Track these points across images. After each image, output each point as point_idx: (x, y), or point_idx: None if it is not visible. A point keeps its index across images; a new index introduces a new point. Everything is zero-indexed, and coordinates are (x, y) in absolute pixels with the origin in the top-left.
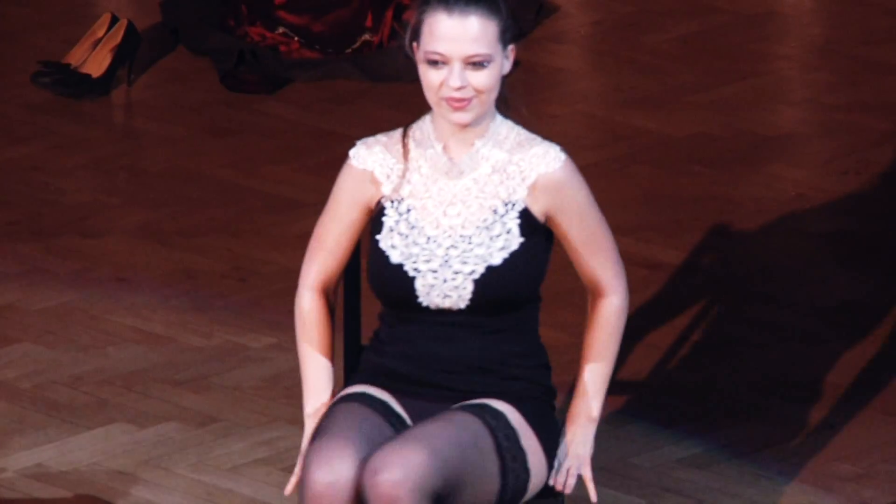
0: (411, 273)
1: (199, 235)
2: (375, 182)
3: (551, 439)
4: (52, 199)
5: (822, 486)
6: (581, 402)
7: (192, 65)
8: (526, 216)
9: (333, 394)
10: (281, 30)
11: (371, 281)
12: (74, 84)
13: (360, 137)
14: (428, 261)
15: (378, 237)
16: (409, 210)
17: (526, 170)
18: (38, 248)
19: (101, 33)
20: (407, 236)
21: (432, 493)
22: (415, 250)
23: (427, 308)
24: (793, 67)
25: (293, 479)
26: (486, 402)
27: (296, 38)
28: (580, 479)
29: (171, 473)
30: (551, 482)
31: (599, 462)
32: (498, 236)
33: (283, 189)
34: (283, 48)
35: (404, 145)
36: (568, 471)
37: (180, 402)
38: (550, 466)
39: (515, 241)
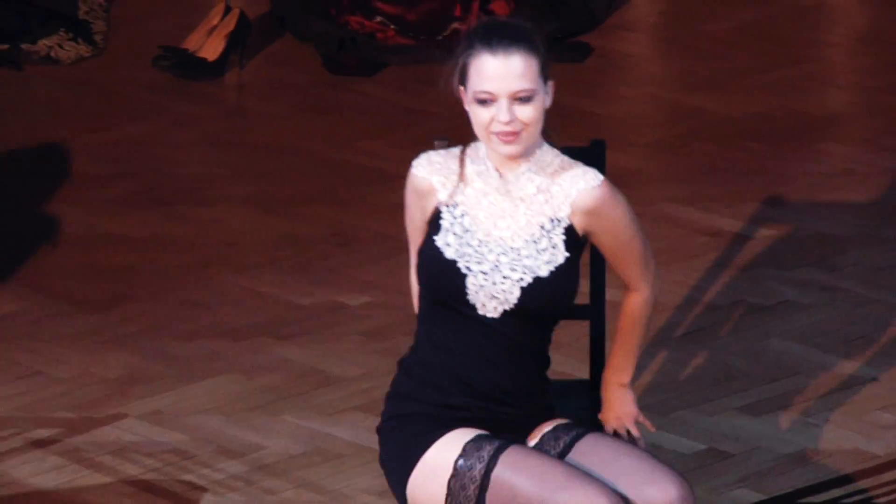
0: (463, 270)
1: (302, 204)
2: (433, 190)
3: None
4: (169, 170)
5: (864, 434)
6: (612, 373)
7: (297, 50)
8: (570, 233)
9: None
10: (378, 19)
11: (422, 275)
12: (191, 67)
13: (447, 117)
14: (479, 263)
15: (435, 237)
16: (463, 215)
17: (567, 190)
18: (156, 214)
19: (215, 21)
20: (461, 237)
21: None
22: (468, 250)
23: (473, 306)
24: (839, 53)
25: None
26: (567, 423)
27: (392, 27)
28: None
29: (277, 419)
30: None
31: (666, 411)
32: (544, 250)
33: (378, 162)
34: (379, 35)
35: (461, 161)
36: (629, 427)
37: (286, 354)
38: None
39: (561, 255)
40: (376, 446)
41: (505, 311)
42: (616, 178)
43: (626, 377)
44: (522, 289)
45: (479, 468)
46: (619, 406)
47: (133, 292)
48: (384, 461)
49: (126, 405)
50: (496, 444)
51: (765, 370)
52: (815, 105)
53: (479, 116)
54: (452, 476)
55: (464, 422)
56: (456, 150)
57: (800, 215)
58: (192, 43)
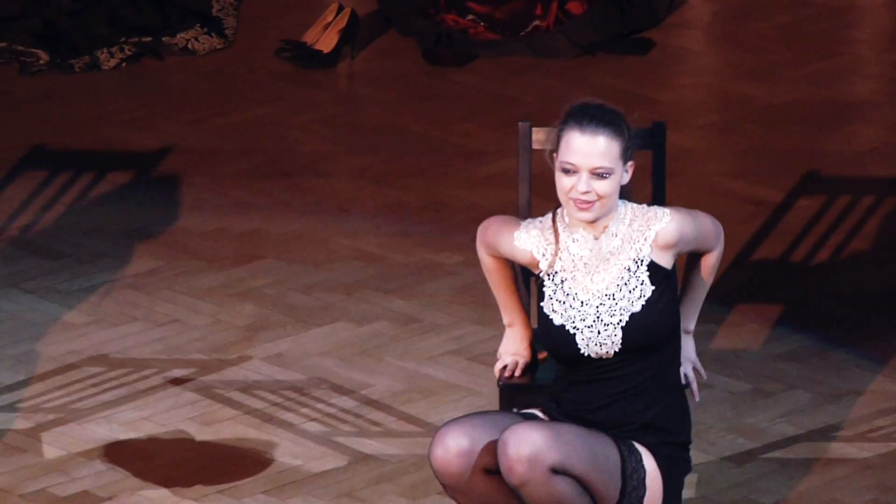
0: (571, 331)
1: (405, 177)
2: (533, 260)
3: (675, 483)
4: (290, 147)
5: (890, 376)
6: (681, 322)
7: (401, 44)
8: (653, 267)
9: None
10: (470, 17)
11: (542, 341)
12: (309, 58)
13: (530, 102)
14: (583, 319)
15: (542, 304)
16: (562, 281)
17: (646, 233)
18: (279, 185)
19: (330, 18)
20: (564, 302)
21: (550, 467)
22: (572, 313)
23: (588, 357)
24: (868, 48)
25: (497, 366)
26: (627, 439)
27: (482, 24)
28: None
29: (381, 361)
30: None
31: (715, 356)
32: (634, 289)
33: (470, 141)
34: (471, 31)
35: (555, 231)
36: (686, 372)
37: (389, 306)
38: None
39: (648, 289)
40: (468, 385)
41: (615, 352)
42: (674, 156)
43: (691, 325)
44: (623, 329)
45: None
46: (683, 351)
47: (258, 251)
48: None
49: (252, 349)
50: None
51: (803, 322)
52: (845, 93)
53: (562, 183)
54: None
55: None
56: (547, 220)
57: (832, 188)
58: (309, 37)
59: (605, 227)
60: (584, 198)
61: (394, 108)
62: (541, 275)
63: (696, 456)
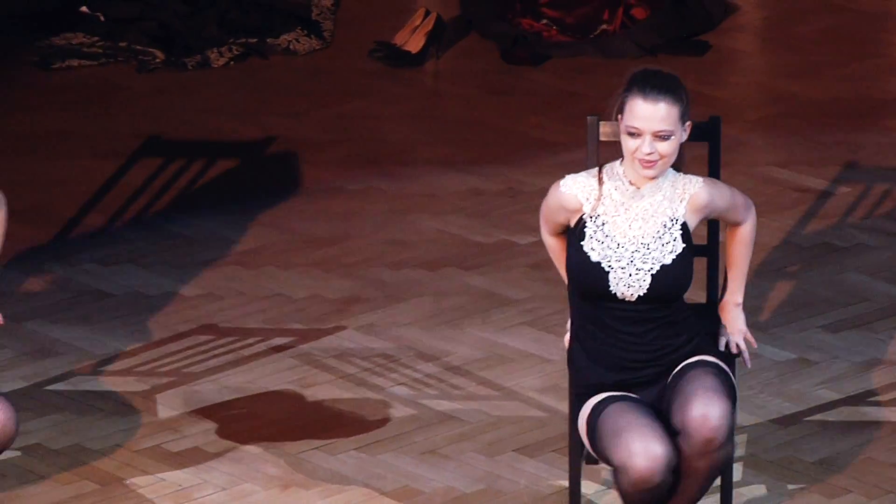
0: (606, 268)
1: (483, 164)
2: (579, 204)
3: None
4: (380, 137)
5: None
6: (729, 295)
7: (481, 45)
8: (684, 227)
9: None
10: (544, 21)
11: (572, 276)
12: (398, 58)
13: (597, 98)
14: (618, 260)
15: (581, 243)
16: (603, 224)
17: (682, 195)
18: (370, 171)
19: (418, 22)
20: (602, 242)
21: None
22: (609, 252)
23: (613, 296)
24: None
25: (567, 337)
26: (693, 359)
27: (554, 27)
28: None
29: (462, 331)
30: (722, 348)
31: (762, 327)
32: (667, 243)
33: (542, 132)
34: (545, 34)
35: (600, 179)
36: (738, 342)
37: (469, 281)
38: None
39: (679, 245)
40: (540, 354)
41: (639, 296)
42: (728, 147)
43: (740, 297)
44: (653, 276)
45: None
46: (733, 323)
47: (352, 232)
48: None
49: (346, 320)
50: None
51: (842, 297)
52: (880, 91)
53: (627, 145)
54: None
55: (617, 387)
56: (594, 171)
57: (870, 176)
58: (399, 39)
59: (650, 180)
60: (648, 158)
61: (474, 103)
62: (583, 216)
63: (745, 418)
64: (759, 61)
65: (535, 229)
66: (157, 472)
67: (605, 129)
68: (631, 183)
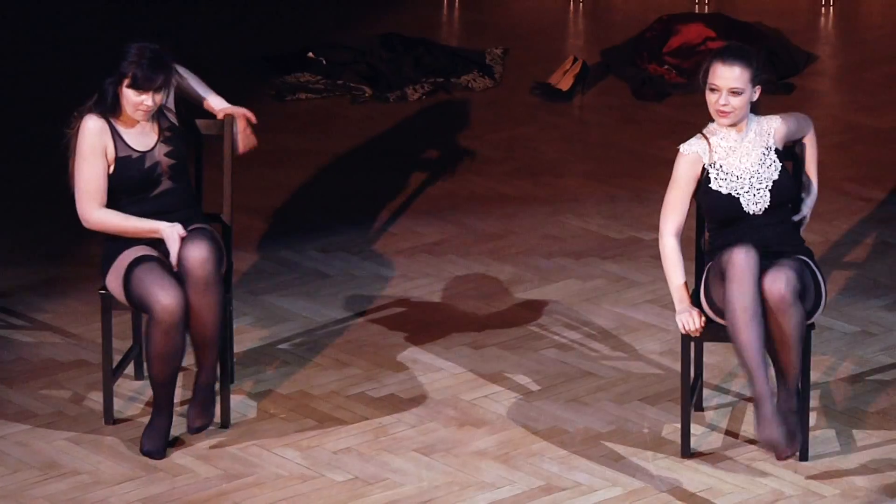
0: (736, 195)
1: (618, 177)
2: (699, 159)
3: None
4: (537, 155)
5: None
6: (804, 206)
7: (617, 85)
8: (777, 152)
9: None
10: (666, 66)
11: (711, 213)
12: (553, 94)
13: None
14: (742, 187)
15: (710, 186)
16: (721, 166)
17: (768, 129)
18: (529, 181)
19: (568, 66)
20: (726, 179)
21: (799, 292)
22: (733, 184)
23: (748, 213)
24: None
25: (689, 326)
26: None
27: (674, 71)
28: None
29: (601, 307)
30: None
31: (837, 306)
32: (770, 165)
33: (665, 153)
34: (667, 76)
35: (706, 139)
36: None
37: (605, 268)
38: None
39: (779, 164)
40: (658, 324)
41: (765, 208)
42: None
43: (815, 187)
44: (770, 191)
45: None
46: (807, 204)
47: (513, 228)
48: None
49: (509, 297)
50: None
51: None
52: None
53: (709, 98)
54: None
55: None
56: (697, 136)
57: None
58: (553, 79)
59: (741, 128)
60: (723, 109)
61: (612, 129)
62: (704, 166)
63: (818, 376)
64: (833, 98)
65: (656, 227)
66: (361, 413)
67: None
68: (734, 132)
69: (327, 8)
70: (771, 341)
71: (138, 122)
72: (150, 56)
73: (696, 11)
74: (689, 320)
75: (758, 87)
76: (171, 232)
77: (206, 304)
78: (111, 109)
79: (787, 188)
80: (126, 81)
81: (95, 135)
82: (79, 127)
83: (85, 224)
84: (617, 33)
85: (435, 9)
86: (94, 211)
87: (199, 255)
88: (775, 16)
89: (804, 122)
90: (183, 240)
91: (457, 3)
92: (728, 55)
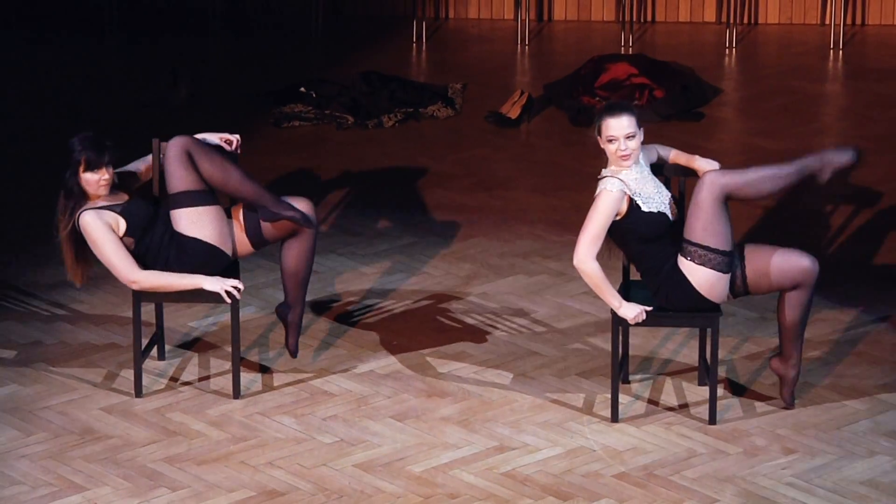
0: (663, 210)
1: (560, 190)
2: (623, 195)
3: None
4: (492, 172)
5: None
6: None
7: (557, 114)
8: (666, 182)
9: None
10: (597, 98)
11: (648, 232)
12: (503, 122)
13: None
14: (661, 206)
15: (643, 210)
16: (641, 192)
17: (647, 158)
18: (485, 195)
19: (516, 98)
20: (650, 201)
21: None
22: (656, 203)
23: (670, 220)
24: (829, 117)
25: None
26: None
27: (604, 102)
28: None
29: (543, 298)
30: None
31: (859, 290)
32: (663, 185)
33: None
34: (598, 106)
35: (617, 177)
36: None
37: (547, 265)
38: None
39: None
40: (594, 312)
41: (675, 217)
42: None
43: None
44: (672, 202)
45: None
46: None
47: (472, 233)
48: None
49: (468, 289)
50: None
51: None
52: (819, 143)
53: (609, 149)
54: None
55: None
56: (612, 177)
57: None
58: (504, 109)
59: (637, 161)
60: (625, 153)
61: (553, 150)
62: (632, 196)
63: (725, 354)
64: (737, 125)
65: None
66: (346, 386)
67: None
68: (629, 168)
69: (317, 50)
70: (792, 309)
71: (101, 196)
72: (92, 140)
73: (622, 52)
74: (640, 312)
75: (642, 128)
76: (214, 284)
77: (311, 247)
78: (80, 197)
79: (673, 198)
80: (81, 168)
81: (99, 219)
82: (77, 227)
83: (135, 286)
84: (557, 71)
85: (406, 51)
86: (137, 271)
87: (307, 206)
88: (687, 56)
89: (659, 147)
90: (282, 202)
91: (424, 46)
92: (615, 110)
